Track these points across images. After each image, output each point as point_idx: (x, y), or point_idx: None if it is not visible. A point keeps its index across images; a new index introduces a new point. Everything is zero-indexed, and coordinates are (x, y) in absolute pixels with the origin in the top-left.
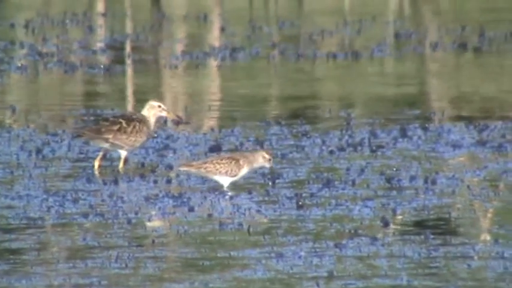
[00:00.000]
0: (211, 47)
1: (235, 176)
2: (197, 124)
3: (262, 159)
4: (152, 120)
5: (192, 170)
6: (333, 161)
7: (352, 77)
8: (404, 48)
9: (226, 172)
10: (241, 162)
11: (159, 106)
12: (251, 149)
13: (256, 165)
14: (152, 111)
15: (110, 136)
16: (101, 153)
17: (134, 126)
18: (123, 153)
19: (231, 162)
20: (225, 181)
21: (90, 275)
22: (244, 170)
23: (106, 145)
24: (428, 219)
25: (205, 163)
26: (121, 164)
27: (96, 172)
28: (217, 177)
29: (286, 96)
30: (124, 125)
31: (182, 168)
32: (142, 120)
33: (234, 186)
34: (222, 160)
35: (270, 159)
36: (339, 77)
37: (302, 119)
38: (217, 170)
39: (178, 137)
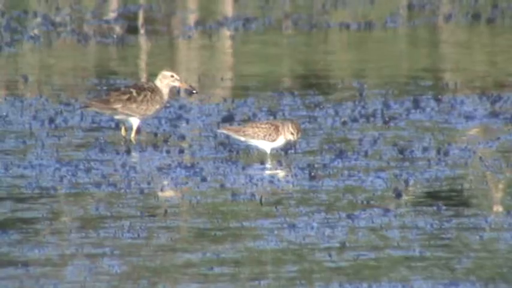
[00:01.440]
0: (224, 17)
1: (273, 141)
2: (210, 94)
3: (289, 133)
4: (165, 90)
5: (231, 132)
6: (346, 132)
7: (365, 47)
8: (417, 19)
9: (264, 136)
10: (280, 129)
11: (172, 76)
12: (282, 120)
13: (289, 136)
14: (165, 81)
15: (119, 106)
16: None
17: (145, 95)
18: (135, 123)
19: (270, 128)
20: (265, 146)
21: (103, 244)
22: (281, 138)
23: (117, 115)
24: (441, 190)
25: (245, 127)
26: (133, 134)
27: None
28: (255, 142)
29: (299, 67)
30: (134, 94)
31: (221, 131)
32: (155, 90)
33: (249, 156)
34: (261, 125)
35: (293, 133)
36: (352, 47)
37: (315, 90)
38: (255, 133)
39: (191, 107)
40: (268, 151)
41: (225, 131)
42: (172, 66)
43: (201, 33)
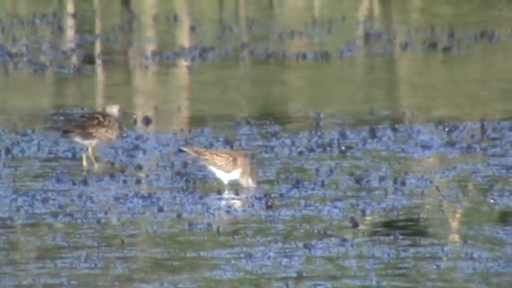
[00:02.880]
0: (181, 47)
1: (228, 172)
2: (167, 124)
3: (244, 181)
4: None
5: (192, 153)
6: (302, 162)
7: (322, 77)
8: (374, 49)
9: (220, 166)
10: (238, 162)
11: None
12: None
13: (244, 180)
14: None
15: (93, 131)
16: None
17: (110, 121)
18: (95, 147)
19: (228, 158)
20: (223, 177)
21: (60, 275)
22: (237, 172)
23: (89, 141)
24: (398, 219)
25: (206, 151)
26: (93, 157)
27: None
28: (212, 169)
29: (255, 96)
30: (101, 119)
31: (184, 149)
32: (113, 117)
33: (206, 186)
34: (220, 153)
35: (247, 184)
36: (309, 77)
37: (271, 119)
38: (213, 161)
39: (148, 137)
40: (226, 182)
41: (187, 150)
42: (129, 96)
43: (158, 63)
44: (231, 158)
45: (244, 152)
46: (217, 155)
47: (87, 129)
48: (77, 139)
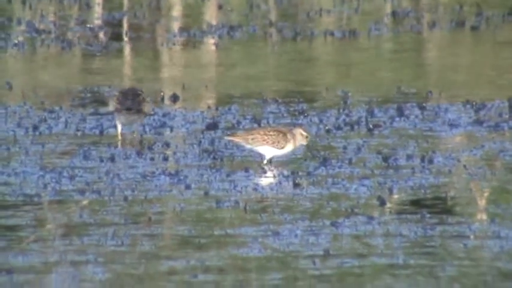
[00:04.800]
0: (209, 24)
1: (281, 148)
2: (195, 102)
3: (300, 137)
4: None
5: (238, 139)
6: (330, 140)
7: (350, 55)
8: (401, 27)
9: (273, 143)
10: (288, 136)
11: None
12: (288, 126)
13: (298, 143)
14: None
15: (143, 106)
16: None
17: (142, 93)
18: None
19: (278, 135)
20: (269, 153)
21: (86, 252)
22: (290, 146)
23: (136, 117)
24: (425, 198)
25: (252, 134)
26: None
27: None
28: (262, 149)
29: (283, 74)
30: (140, 93)
31: (228, 138)
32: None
33: (234, 163)
34: (269, 132)
35: (307, 137)
36: (337, 55)
37: (299, 98)
38: (264, 140)
39: (175, 115)
40: (268, 157)
41: (232, 138)
42: (156, 73)
43: (185, 40)
44: (281, 134)
45: (287, 127)
46: (267, 134)
47: (139, 105)
48: (134, 116)
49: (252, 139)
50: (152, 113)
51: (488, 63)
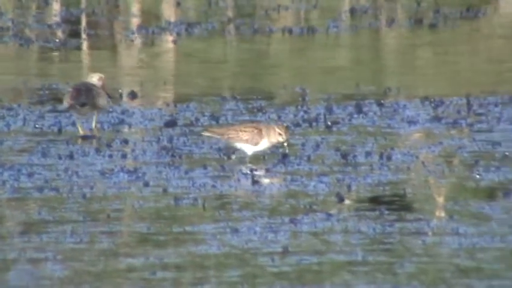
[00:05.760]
0: (167, 21)
1: (256, 144)
2: (153, 99)
3: (273, 134)
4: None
5: (215, 135)
6: (289, 137)
7: (308, 52)
8: (360, 24)
9: (247, 140)
10: (263, 132)
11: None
12: (265, 122)
13: (273, 140)
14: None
15: (97, 100)
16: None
17: (102, 88)
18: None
19: (253, 131)
20: (247, 150)
21: (45, 249)
22: (265, 142)
23: (95, 111)
24: (383, 195)
25: (229, 130)
26: (94, 124)
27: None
28: (239, 145)
29: (241, 71)
30: (98, 89)
31: (206, 134)
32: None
33: (192, 161)
34: (245, 128)
35: (280, 134)
36: (295, 52)
37: (258, 95)
38: (239, 137)
39: (134, 112)
40: (249, 154)
41: (209, 134)
42: (114, 70)
43: (143, 37)
44: (256, 130)
45: (264, 124)
46: (242, 130)
47: (94, 99)
48: (89, 111)
49: (228, 135)
50: (109, 106)
51: (446, 60)
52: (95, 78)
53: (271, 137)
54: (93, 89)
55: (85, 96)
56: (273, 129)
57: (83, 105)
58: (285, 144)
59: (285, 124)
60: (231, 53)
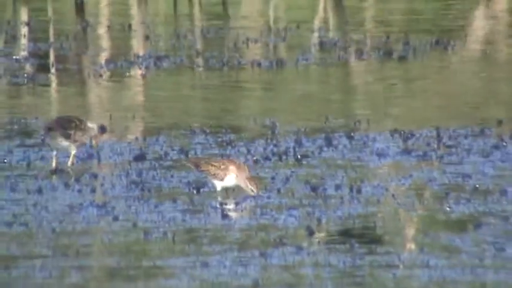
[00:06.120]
0: (136, 55)
1: (221, 180)
2: (122, 133)
3: (244, 184)
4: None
5: (191, 166)
6: (258, 170)
7: (277, 85)
8: (329, 57)
9: (214, 175)
10: (230, 168)
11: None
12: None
13: (243, 184)
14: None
15: (72, 132)
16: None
17: (84, 125)
18: (73, 151)
19: (219, 166)
20: (216, 184)
21: (14, 285)
22: (231, 178)
23: (65, 144)
24: (354, 227)
25: (201, 162)
26: (71, 161)
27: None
28: (209, 178)
29: (210, 104)
30: (78, 122)
31: (186, 163)
32: (86, 122)
33: (162, 194)
34: (214, 162)
35: (252, 190)
36: (264, 85)
37: (227, 128)
38: (207, 170)
39: (103, 146)
40: (218, 189)
41: (188, 164)
42: (83, 105)
43: (112, 72)
44: (223, 166)
45: (239, 161)
46: (211, 164)
47: (67, 130)
48: (58, 139)
49: (201, 167)
50: (86, 143)
51: (416, 92)
52: (91, 125)
53: (240, 178)
54: (75, 121)
55: (58, 124)
56: (244, 178)
57: (49, 130)
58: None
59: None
60: (200, 85)
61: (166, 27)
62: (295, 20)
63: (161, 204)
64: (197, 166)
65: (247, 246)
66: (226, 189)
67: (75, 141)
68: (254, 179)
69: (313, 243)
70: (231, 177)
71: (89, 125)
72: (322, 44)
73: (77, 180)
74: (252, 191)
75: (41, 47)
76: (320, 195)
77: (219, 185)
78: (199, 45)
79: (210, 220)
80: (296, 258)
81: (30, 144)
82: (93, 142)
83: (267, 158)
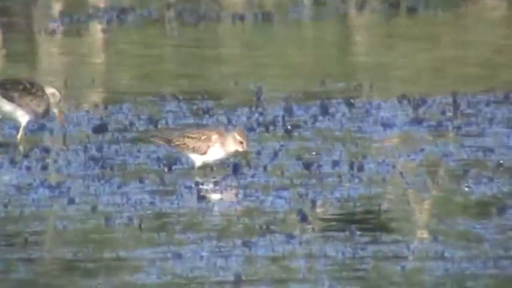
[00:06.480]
0: (95, 7)
1: (203, 154)
2: (79, 99)
3: (232, 142)
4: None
5: (162, 142)
6: None
7: (263, 43)
8: (324, 9)
9: (193, 148)
10: (213, 138)
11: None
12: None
13: (229, 148)
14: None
15: (16, 95)
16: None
17: (38, 90)
18: (24, 121)
19: (200, 138)
20: (196, 159)
21: None
22: (215, 150)
23: (8, 108)
24: (355, 212)
25: (176, 136)
26: (21, 134)
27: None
28: (186, 153)
29: (184, 66)
30: (28, 85)
31: (154, 140)
32: (42, 88)
33: (126, 173)
34: (192, 134)
35: (241, 142)
36: (248, 43)
37: (204, 94)
38: (184, 145)
39: (56, 116)
40: (197, 165)
41: (157, 141)
42: (33, 66)
43: (67, 27)
44: (204, 137)
45: (219, 130)
46: (188, 136)
47: (9, 92)
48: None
49: (175, 142)
50: (40, 112)
51: (429, 51)
52: (51, 90)
53: (226, 145)
54: (24, 84)
55: (10, 87)
56: (230, 136)
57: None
58: (245, 154)
59: (241, 128)
60: (171, 44)
61: None
62: None
63: (125, 185)
64: (169, 142)
65: (227, 234)
66: (204, 166)
67: (20, 105)
68: (238, 132)
69: (306, 230)
70: (215, 149)
71: (50, 90)
72: None
73: (26, 155)
74: (241, 143)
75: None
76: (314, 173)
77: (199, 160)
78: None
79: (183, 203)
80: (286, 249)
81: None
82: (57, 113)
83: (251, 129)
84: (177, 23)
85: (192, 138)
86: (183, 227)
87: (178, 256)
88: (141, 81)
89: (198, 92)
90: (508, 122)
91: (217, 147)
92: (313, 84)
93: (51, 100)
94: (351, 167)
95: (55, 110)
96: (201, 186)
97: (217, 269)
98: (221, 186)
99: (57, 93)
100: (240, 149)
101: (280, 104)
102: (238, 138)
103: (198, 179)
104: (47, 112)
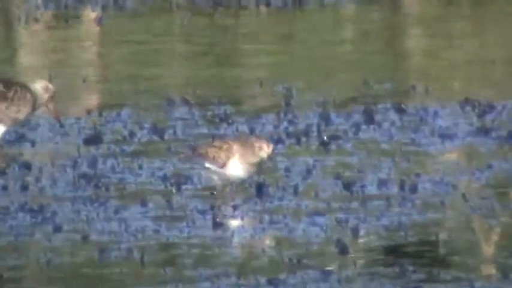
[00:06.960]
0: None
1: (221, 167)
2: (67, 104)
3: (255, 151)
4: (44, 97)
5: (186, 152)
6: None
7: (295, 35)
8: None
9: (213, 158)
10: (234, 148)
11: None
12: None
13: (252, 159)
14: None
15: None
16: None
17: (16, 91)
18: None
19: (222, 146)
20: (212, 175)
21: None
22: (235, 163)
23: None
24: (406, 243)
25: (203, 145)
26: None
27: None
28: (206, 164)
29: (196, 63)
30: (2, 88)
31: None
32: (25, 86)
33: (125, 194)
34: (216, 143)
35: (261, 148)
36: (275, 35)
37: (221, 97)
38: (206, 154)
39: (39, 124)
40: (216, 180)
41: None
42: (12, 62)
43: (53, 14)
44: (226, 146)
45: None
46: (210, 146)
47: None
48: None
49: (199, 150)
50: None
51: (497, 45)
52: (38, 85)
53: (248, 156)
54: (16, 89)
55: None
56: (249, 143)
57: None
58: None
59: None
60: (180, 35)
61: None
62: None
63: (124, 209)
64: (194, 149)
65: (249, 269)
66: (222, 185)
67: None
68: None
69: (346, 265)
70: (235, 162)
71: (40, 84)
72: None
73: (2, 173)
74: (261, 149)
75: None
76: (356, 195)
77: (216, 176)
78: None
79: (195, 231)
80: (322, 287)
81: None
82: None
83: (279, 141)
84: (188, 10)
85: (214, 147)
86: (195, 261)
87: None
88: (143, 81)
89: (214, 95)
90: None
91: (237, 159)
92: (355, 86)
93: (44, 95)
94: (402, 187)
95: (50, 106)
96: (217, 211)
97: None
98: (242, 211)
99: (50, 86)
100: (263, 155)
101: (315, 110)
102: (258, 144)
103: (213, 201)
104: (32, 113)
